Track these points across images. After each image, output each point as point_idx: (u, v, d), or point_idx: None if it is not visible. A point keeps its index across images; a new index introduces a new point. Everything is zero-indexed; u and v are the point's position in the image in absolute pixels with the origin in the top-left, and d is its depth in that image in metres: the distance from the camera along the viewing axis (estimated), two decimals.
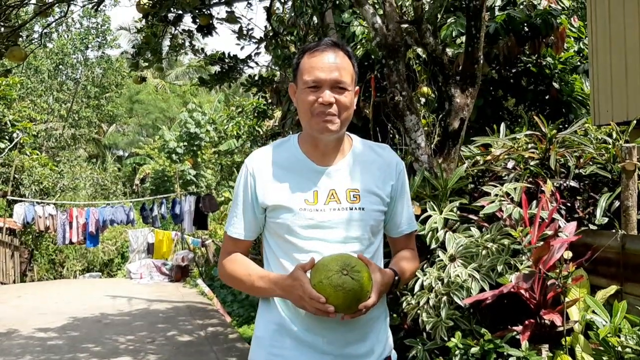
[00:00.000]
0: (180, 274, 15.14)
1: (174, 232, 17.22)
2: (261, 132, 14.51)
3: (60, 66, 20.97)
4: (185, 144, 21.96)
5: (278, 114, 10.98)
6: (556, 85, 8.21)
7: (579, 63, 8.59)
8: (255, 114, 13.04)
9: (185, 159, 22.17)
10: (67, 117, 21.32)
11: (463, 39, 7.74)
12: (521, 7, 7.87)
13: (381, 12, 4.73)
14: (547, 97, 8.32)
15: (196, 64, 30.42)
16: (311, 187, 1.77)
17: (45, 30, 9.43)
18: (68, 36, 20.75)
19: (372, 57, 7.88)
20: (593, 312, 3.08)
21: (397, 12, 4.50)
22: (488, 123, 7.24)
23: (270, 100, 9.18)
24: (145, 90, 29.19)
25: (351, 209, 1.77)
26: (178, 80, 31.45)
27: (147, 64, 5.90)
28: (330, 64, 1.72)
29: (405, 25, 4.66)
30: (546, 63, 8.30)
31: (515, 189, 3.68)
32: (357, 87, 1.82)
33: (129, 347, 6.85)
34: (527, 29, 7.76)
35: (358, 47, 7.64)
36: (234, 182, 16.23)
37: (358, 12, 7.92)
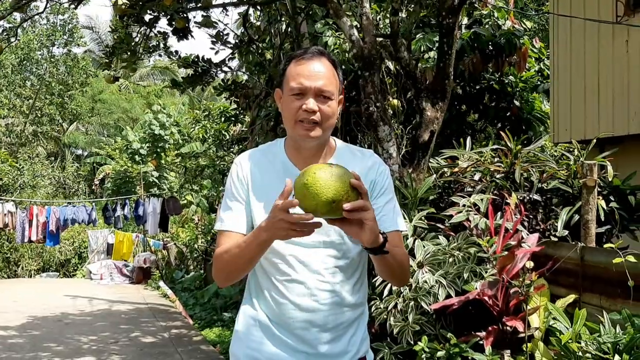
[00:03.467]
0: (141, 275, 14.99)
1: (135, 234, 17.04)
2: (227, 137, 14.52)
3: (25, 61, 20.56)
4: (149, 145, 21.73)
5: (248, 119, 11.03)
6: (517, 102, 8.49)
7: (539, 82, 8.91)
8: (223, 118, 13.06)
9: (149, 160, 21.95)
10: (28, 113, 20.89)
11: (431, 54, 7.99)
12: (486, 26, 8.13)
13: (358, 24, 4.88)
14: (508, 113, 8.60)
15: (161, 65, 30.21)
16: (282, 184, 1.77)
17: (10, 25, 9.31)
18: (34, 32, 20.37)
19: (343, 67, 8.03)
20: (554, 318, 3.26)
21: (373, 26, 4.65)
22: (452, 136, 7.46)
23: (240, 106, 9.23)
24: (108, 90, 28.77)
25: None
26: (142, 81, 31.11)
27: (124, 63, 5.91)
28: (315, 72, 1.76)
29: (380, 39, 4.82)
30: (508, 81, 8.58)
31: (482, 200, 3.86)
32: (341, 97, 1.85)
33: (92, 347, 6.81)
34: (491, 48, 8.02)
35: None
36: (197, 186, 16.16)
37: (331, 22, 8.09)
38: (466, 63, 7.69)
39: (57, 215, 14.79)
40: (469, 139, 5.16)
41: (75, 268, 18.70)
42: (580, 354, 2.76)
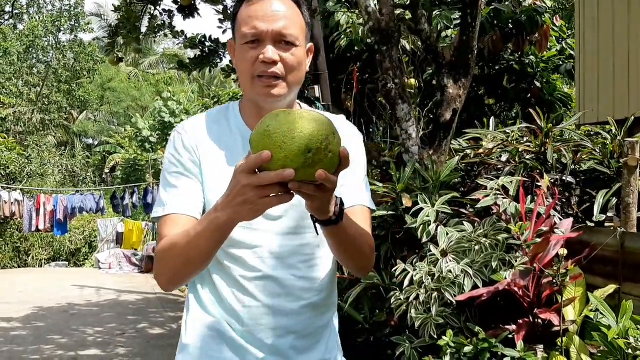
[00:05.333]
0: (151, 264, 14.78)
1: (145, 222, 16.86)
2: None
3: (31, 49, 20.35)
4: (159, 133, 21.54)
5: None
6: (538, 84, 8.17)
7: (560, 63, 8.56)
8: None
9: (159, 148, 21.75)
10: (36, 101, 20.73)
11: (449, 32, 7.64)
12: (507, 3, 7.78)
13: None
14: (528, 95, 8.28)
15: (170, 52, 29.95)
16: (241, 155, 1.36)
17: (16, 11, 9.07)
18: (39, 18, 20.15)
19: (356, 48, 7.71)
20: (593, 311, 2.96)
21: None
22: (470, 119, 7.15)
23: None
24: (117, 78, 28.63)
25: None
26: (152, 69, 30.92)
27: (127, 40, 5.63)
28: (273, 12, 1.37)
29: (398, 12, 4.50)
30: (529, 61, 8.25)
31: (511, 182, 3.55)
32: (311, 44, 1.48)
33: (97, 340, 6.59)
34: (511, 26, 7.69)
35: (342, 36, 7.46)
36: None
37: (343, 0, 7.76)
38: (486, 41, 7.34)
39: (65, 204, 14.62)
40: (492, 119, 4.84)
41: (86, 257, 18.59)
42: (630, 351, 2.45)
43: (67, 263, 18.11)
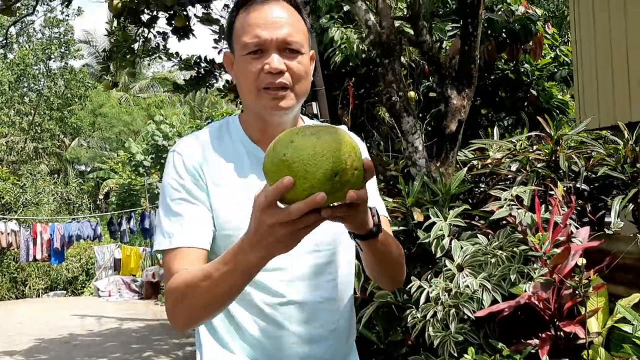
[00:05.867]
0: (151, 290, 14.60)
1: (142, 248, 16.69)
2: None
3: (22, 77, 20.28)
4: (153, 156, 21.44)
5: None
6: (534, 92, 8.16)
7: (555, 70, 8.57)
8: None
9: (153, 172, 21.65)
10: (28, 129, 20.61)
11: (444, 43, 7.62)
12: (499, 12, 7.79)
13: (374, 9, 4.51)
14: (525, 103, 8.26)
15: (160, 75, 29.93)
16: (253, 178, 1.31)
17: (7, 40, 9.01)
18: (29, 46, 20.11)
19: (351, 63, 7.68)
20: (622, 321, 2.87)
21: (390, 9, 4.28)
22: (469, 130, 7.10)
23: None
24: (108, 104, 28.55)
25: None
26: (142, 93, 30.87)
27: (123, 63, 5.56)
28: (275, 19, 1.27)
29: (398, 24, 4.45)
30: (524, 70, 8.25)
31: (524, 192, 3.47)
32: (312, 51, 1.40)
33: None
34: (504, 36, 7.69)
35: (337, 52, 7.42)
36: None
37: (336, 17, 7.73)
38: (481, 51, 7.32)
39: (62, 232, 14.45)
40: (496, 129, 4.78)
41: (83, 285, 18.35)
42: None
43: (65, 292, 17.88)
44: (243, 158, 1.31)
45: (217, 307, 1.16)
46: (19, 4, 4.92)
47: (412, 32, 4.40)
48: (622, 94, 6.18)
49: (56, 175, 25.12)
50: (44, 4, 5.83)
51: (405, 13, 4.46)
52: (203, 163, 1.29)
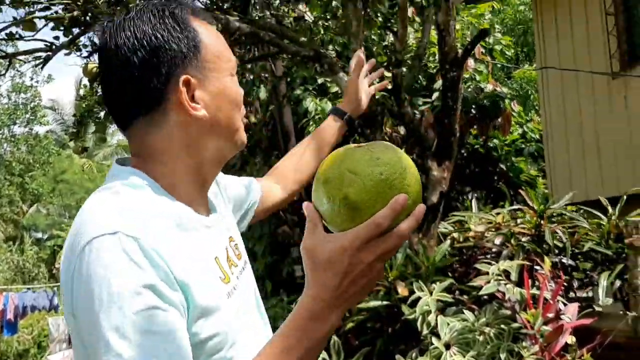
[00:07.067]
0: None
1: None
2: None
3: None
4: None
5: None
6: (503, 166, 8.29)
7: (523, 146, 8.75)
8: None
9: None
10: None
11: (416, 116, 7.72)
12: (469, 89, 7.98)
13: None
14: (495, 177, 8.37)
15: (124, 143, 29.74)
16: (211, 253, 0.98)
17: None
18: None
19: None
20: None
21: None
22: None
23: None
24: (71, 170, 28.12)
25: (246, 261, 1.11)
26: (106, 160, 30.56)
27: (98, 126, 5.43)
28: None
29: (378, 95, 4.46)
30: (493, 145, 8.40)
31: (511, 267, 3.39)
32: None
33: None
34: (474, 112, 7.85)
35: (311, 123, 7.45)
36: None
37: (311, 88, 7.80)
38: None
39: (16, 302, 13.79)
40: (474, 201, 4.76)
41: (35, 359, 17.39)
42: None
43: None
44: (187, 227, 0.94)
45: None
46: None
47: (391, 103, 4.42)
48: (593, 170, 6.28)
49: (12, 243, 24.29)
50: (13, 69, 5.72)
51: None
52: (162, 246, 0.85)
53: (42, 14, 4.33)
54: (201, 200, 1.03)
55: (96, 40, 4.56)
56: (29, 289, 15.73)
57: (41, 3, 4.28)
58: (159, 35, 0.95)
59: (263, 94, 7.39)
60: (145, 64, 0.94)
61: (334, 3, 4.83)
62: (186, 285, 0.85)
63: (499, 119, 8.01)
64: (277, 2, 5.56)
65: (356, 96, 1.58)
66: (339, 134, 1.53)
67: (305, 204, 0.86)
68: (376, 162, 0.81)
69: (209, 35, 1.01)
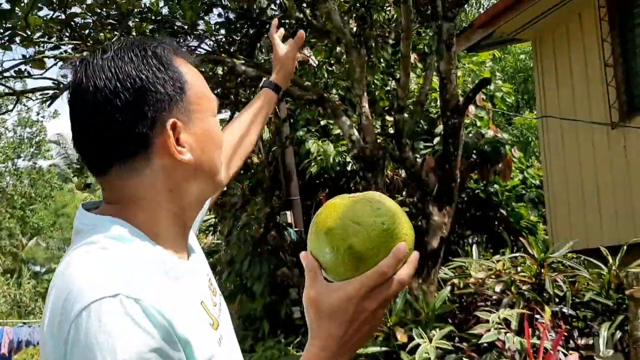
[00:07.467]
0: None
1: None
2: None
3: None
4: None
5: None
6: (503, 212, 8.30)
7: (523, 192, 8.77)
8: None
9: None
10: None
11: (418, 160, 7.78)
12: (470, 134, 8.06)
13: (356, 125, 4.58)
14: (495, 223, 8.37)
15: None
16: (198, 298, 0.94)
17: None
18: (0, 144, 20.00)
19: (326, 175, 7.76)
20: None
21: (373, 126, 4.36)
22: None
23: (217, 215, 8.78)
24: (72, 204, 28.15)
25: (220, 295, 1.08)
26: None
27: None
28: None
29: (380, 139, 4.51)
30: (494, 190, 8.42)
31: (511, 315, 3.38)
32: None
33: None
34: (475, 156, 7.91)
35: (312, 164, 7.50)
36: None
37: (313, 130, 7.88)
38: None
39: (11, 337, 13.64)
40: (475, 247, 4.76)
41: None
42: None
43: None
44: (175, 276, 0.90)
45: None
46: None
47: (393, 148, 4.46)
48: (594, 218, 6.28)
49: (9, 275, 24.14)
50: (20, 104, 5.80)
51: (380, 130, 4.53)
52: (163, 304, 0.81)
53: (52, 53, 4.42)
54: (182, 243, 0.99)
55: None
56: (24, 323, 15.57)
57: (51, 42, 4.36)
58: (143, 77, 0.90)
59: (266, 134, 7.48)
60: (130, 108, 0.89)
61: (338, 49, 4.92)
62: (187, 342, 0.83)
63: (500, 165, 8.06)
64: None
65: (291, 71, 1.62)
66: (273, 107, 1.60)
67: (303, 254, 0.87)
68: (377, 212, 0.84)
69: (192, 75, 0.97)
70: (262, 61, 5.08)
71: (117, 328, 0.76)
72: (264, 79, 1.61)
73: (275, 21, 1.66)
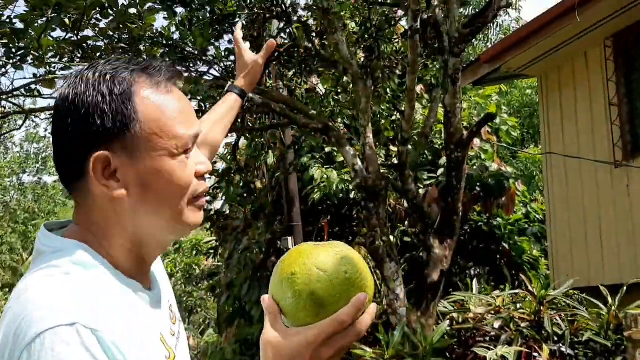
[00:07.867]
0: None
1: None
2: (198, 271, 13.87)
3: None
4: None
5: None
6: (506, 245, 8.28)
7: (526, 226, 8.75)
8: (195, 251, 12.56)
9: None
10: None
11: (420, 192, 7.79)
12: (474, 167, 8.08)
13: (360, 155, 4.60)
14: (498, 256, 8.34)
15: None
16: (157, 331, 0.93)
17: None
18: (6, 158, 20.12)
19: (329, 202, 7.77)
20: None
21: (376, 156, 4.38)
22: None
23: (219, 238, 8.79)
24: None
25: (180, 322, 1.06)
26: None
27: None
28: (189, 106, 0.97)
29: (383, 170, 4.53)
30: (497, 223, 8.41)
31: (509, 352, 3.36)
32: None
33: None
34: (479, 189, 7.92)
35: (315, 190, 7.52)
36: None
37: (317, 157, 7.92)
38: None
39: None
40: (475, 281, 4.74)
41: None
42: None
43: None
44: (135, 304, 0.90)
45: None
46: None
47: (396, 178, 4.48)
48: (596, 256, 6.26)
49: (8, 290, 24.08)
50: (29, 119, 5.86)
51: (384, 160, 4.55)
52: (119, 338, 0.79)
53: (63, 73, 4.47)
54: (143, 274, 0.96)
55: None
56: None
57: (62, 63, 4.42)
58: (86, 102, 0.87)
59: (271, 159, 7.52)
60: (72, 131, 0.87)
61: (345, 78, 4.97)
62: None
63: (503, 198, 8.06)
64: (291, 73, 5.73)
65: (258, 78, 1.64)
66: (238, 112, 1.60)
67: (263, 297, 0.87)
68: (341, 261, 0.85)
69: (155, 110, 0.89)
70: (270, 87, 5.14)
71: (71, 359, 0.73)
72: (229, 83, 1.59)
73: (239, 24, 1.70)
